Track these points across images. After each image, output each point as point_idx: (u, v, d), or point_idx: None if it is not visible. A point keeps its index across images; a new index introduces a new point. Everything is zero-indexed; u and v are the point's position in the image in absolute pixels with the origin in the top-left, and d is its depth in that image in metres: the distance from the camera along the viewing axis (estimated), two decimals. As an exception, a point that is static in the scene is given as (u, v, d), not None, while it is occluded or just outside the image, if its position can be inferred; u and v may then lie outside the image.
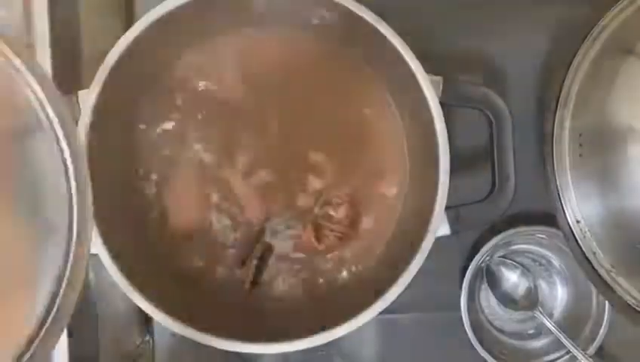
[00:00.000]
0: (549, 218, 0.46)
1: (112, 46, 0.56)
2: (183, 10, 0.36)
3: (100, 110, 0.36)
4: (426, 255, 0.37)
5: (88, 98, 0.36)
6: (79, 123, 0.36)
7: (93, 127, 0.36)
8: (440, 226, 0.37)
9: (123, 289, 0.36)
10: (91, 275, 0.50)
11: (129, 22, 0.57)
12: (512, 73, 0.50)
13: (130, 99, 0.42)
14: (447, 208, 0.37)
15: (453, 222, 0.38)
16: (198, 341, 0.37)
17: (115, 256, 0.37)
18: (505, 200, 0.38)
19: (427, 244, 0.37)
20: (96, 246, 0.36)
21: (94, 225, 0.36)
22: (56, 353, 0.45)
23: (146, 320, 0.60)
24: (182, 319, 0.37)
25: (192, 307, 0.42)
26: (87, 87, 0.49)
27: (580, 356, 0.47)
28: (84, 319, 0.48)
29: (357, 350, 0.52)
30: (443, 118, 0.37)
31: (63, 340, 0.45)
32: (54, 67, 0.45)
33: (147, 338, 0.59)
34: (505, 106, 0.38)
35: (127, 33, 0.36)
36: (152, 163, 0.43)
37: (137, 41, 0.36)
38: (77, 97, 0.36)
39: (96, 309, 0.50)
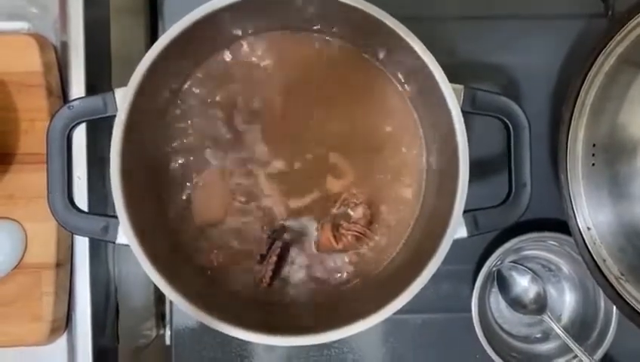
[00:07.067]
0: (560, 225, 0.48)
1: (137, 44, 0.58)
2: (218, 14, 0.37)
3: (136, 107, 0.38)
4: (443, 257, 0.38)
5: (126, 96, 0.37)
6: (116, 119, 0.37)
7: (129, 122, 0.38)
8: (457, 229, 0.38)
9: (152, 278, 0.37)
10: (114, 268, 0.51)
11: (154, 21, 0.59)
12: (528, 84, 0.51)
13: (163, 95, 0.43)
14: (465, 212, 0.38)
15: (471, 225, 0.39)
16: (216, 329, 0.38)
17: (145, 247, 0.38)
18: (521, 206, 0.39)
19: (445, 247, 0.38)
20: (127, 236, 0.38)
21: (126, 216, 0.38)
22: (81, 342, 0.46)
23: (163, 313, 0.61)
24: (203, 308, 0.38)
25: (212, 297, 0.43)
26: (116, 84, 0.51)
27: (586, 361, 0.48)
28: (106, 310, 0.50)
29: (369, 348, 0.53)
30: (464, 125, 0.38)
31: (88, 329, 0.46)
32: (88, 66, 0.46)
33: (163, 331, 0.61)
34: (523, 115, 0.39)
35: (165, 34, 0.37)
36: (180, 157, 0.45)
37: (173, 42, 0.37)
38: (114, 94, 0.38)
39: (117, 301, 0.52)
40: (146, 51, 0.37)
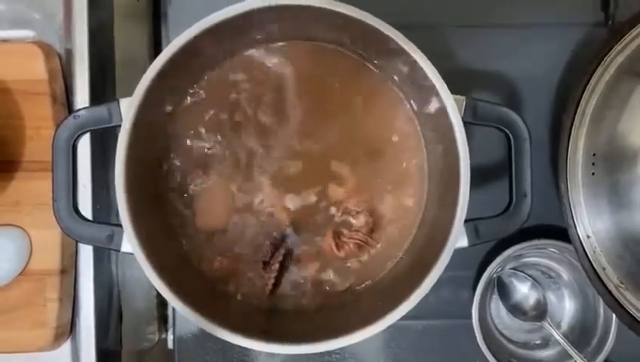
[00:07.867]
0: (561, 233, 0.48)
1: (141, 50, 0.58)
2: (221, 25, 0.38)
3: (140, 116, 0.38)
4: (444, 267, 0.38)
5: (130, 106, 0.38)
6: (121, 129, 0.38)
7: (133, 131, 0.38)
8: (458, 239, 0.39)
9: (156, 286, 0.38)
10: (117, 272, 0.52)
11: (156, 27, 0.59)
12: (528, 92, 0.52)
13: (168, 105, 0.44)
14: (466, 221, 0.39)
15: (472, 235, 0.39)
16: (218, 336, 0.38)
17: (149, 256, 0.38)
18: (521, 215, 0.39)
19: (446, 256, 0.38)
20: (131, 244, 0.38)
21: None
22: (85, 347, 0.47)
23: (166, 317, 0.62)
24: (206, 316, 0.39)
25: (214, 305, 0.43)
26: (120, 90, 0.52)
27: (586, 367, 0.49)
28: (109, 314, 0.50)
29: (370, 354, 0.53)
30: (465, 136, 0.38)
31: (91, 335, 0.47)
32: (92, 73, 0.47)
33: (165, 335, 0.61)
34: (524, 126, 0.39)
35: (170, 46, 0.37)
36: (184, 165, 0.45)
37: (178, 53, 0.38)
38: (119, 104, 0.38)
39: (120, 305, 0.52)
40: (150, 57, 0.38)
